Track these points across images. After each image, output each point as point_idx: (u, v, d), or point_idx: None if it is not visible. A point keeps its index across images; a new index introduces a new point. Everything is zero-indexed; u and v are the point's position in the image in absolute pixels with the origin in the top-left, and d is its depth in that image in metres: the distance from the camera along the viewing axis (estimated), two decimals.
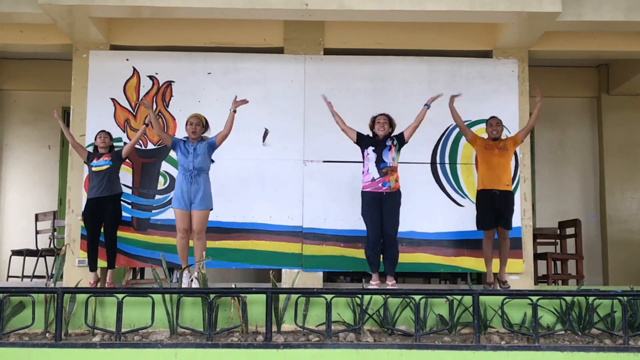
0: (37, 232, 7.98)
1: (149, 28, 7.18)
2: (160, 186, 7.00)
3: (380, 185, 5.98)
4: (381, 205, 5.95)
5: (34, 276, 7.70)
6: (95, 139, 6.61)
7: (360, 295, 5.06)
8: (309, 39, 7.17)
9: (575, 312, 5.18)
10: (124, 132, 7.02)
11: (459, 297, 5.15)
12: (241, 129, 6.51)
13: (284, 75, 7.12)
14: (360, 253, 6.59)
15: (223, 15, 6.54)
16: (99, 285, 6.49)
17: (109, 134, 6.64)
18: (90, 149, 6.72)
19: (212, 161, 6.21)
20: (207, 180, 6.08)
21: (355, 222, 6.54)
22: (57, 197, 8.68)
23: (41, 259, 7.81)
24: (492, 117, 6.51)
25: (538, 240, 7.71)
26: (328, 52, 7.21)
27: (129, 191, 6.93)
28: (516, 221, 6.63)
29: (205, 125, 6.21)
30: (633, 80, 8.34)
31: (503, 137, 6.56)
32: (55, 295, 4.94)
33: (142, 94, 7.07)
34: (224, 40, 7.23)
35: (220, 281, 7.60)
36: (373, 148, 6.04)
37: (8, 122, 8.94)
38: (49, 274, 7.54)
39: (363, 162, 6.12)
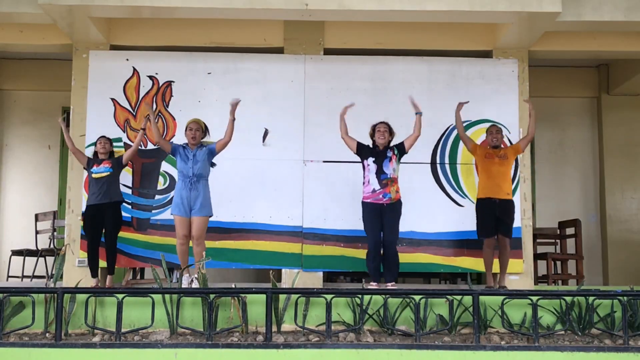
0: (37, 232, 7.98)
1: (149, 28, 7.18)
2: (160, 186, 7.00)
3: (381, 196, 5.98)
4: (382, 215, 5.98)
5: (34, 276, 7.70)
6: (96, 145, 6.60)
7: (360, 295, 5.05)
8: (309, 39, 7.17)
9: (575, 312, 5.18)
10: (124, 132, 7.02)
11: (459, 297, 5.15)
12: (241, 129, 6.51)
13: (284, 75, 7.12)
14: (360, 253, 6.59)
15: (223, 15, 6.54)
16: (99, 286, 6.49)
17: (109, 139, 6.63)
18: (91, 150, 6.73)
19: (214, 164, 6.19)
20: (207, 186, 6.07)
21: (355, 222, 6.54)
22: (57, 197, 8.67)
23: (41, 259, 7.80)
24: (492, 125, 6.53)
25: (538, 240, 7.71)
26: (328, 52, 7.21)
27: (129, 191, 6.93)
28: (516, 221, 6.61)
29: (205, 131, 6.19)
30: (633, 80, 8.34)
31: (505, 138, 6.56)
32: (55, 295, 4.94)
33: (142, 94, 7.07)
34: (224, 40, 7.23)
35: (220, 281, 7.60)
36: (373, 159, 6.03)
37: (8, 122, 8.94)
38: (49, 274, 7.54)
39: (363, 172, 6.12)
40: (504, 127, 6.95)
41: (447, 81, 7.14)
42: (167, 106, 7.08)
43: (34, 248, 7.87)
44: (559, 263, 7.89)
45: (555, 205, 8.77)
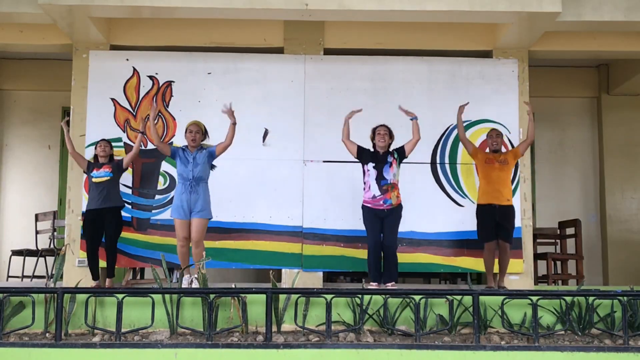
0: (37, 232, 7.98)
1: (149, 28, 7.18)
2: (160, 186, 7.00)
3: (381, 202, 5.99)
4: (382, 219, 5.98)
5: (34, 276, 7.70)
6: (96, 148, 6.58)
7: (360, 295, 5.05)
8: (309, 39, 7.17)
9: (575, 312, 5.18)
10: (124, 132, 7.02)
11: (459, 297, 5.15)
12: (241, 129, 6.49)
13: (284, 75, 7.12)
14: (360, 253, 6.59)
15: (223, 15, 6.54)
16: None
17: (109, 142, 6.61)
18: (91, 150, 6.72)
19: (214, 167, 6.18)
20: (207, 189, 6.07)
21: (355, 222, 6.54)
22: (57, 197, 8.67)
23: (41, 259, 7.80)
24: (492, 129, 6.53)
25: (538, 240, 7.71)
26: (328, 52, 7.21)
27: (129, 191, 6.93)
28: (516, 221, 6.61)
29: (205, 133, 6.19)
30: (633, 80, 8.34)
31: (505, 138, 6.55)
32: (55, 295, 4.94)
33: (142, 94, 7.07)
34: (224, 40, 7.23)
35: (220, 281, 7.60)
36: (374, 164, 6.03)
37: (8, 122, 8.94)
38: (49, 274, 7.54)
39: (363, 177, 6.12)
40: (504, 127, 6.95)
41: (447, 81, 7.14)
42: (167, 106, 7.08)
43: (34, 248, 7.87)
44: (559, 263, 7.89)
45: (555, 205, 8.77)
